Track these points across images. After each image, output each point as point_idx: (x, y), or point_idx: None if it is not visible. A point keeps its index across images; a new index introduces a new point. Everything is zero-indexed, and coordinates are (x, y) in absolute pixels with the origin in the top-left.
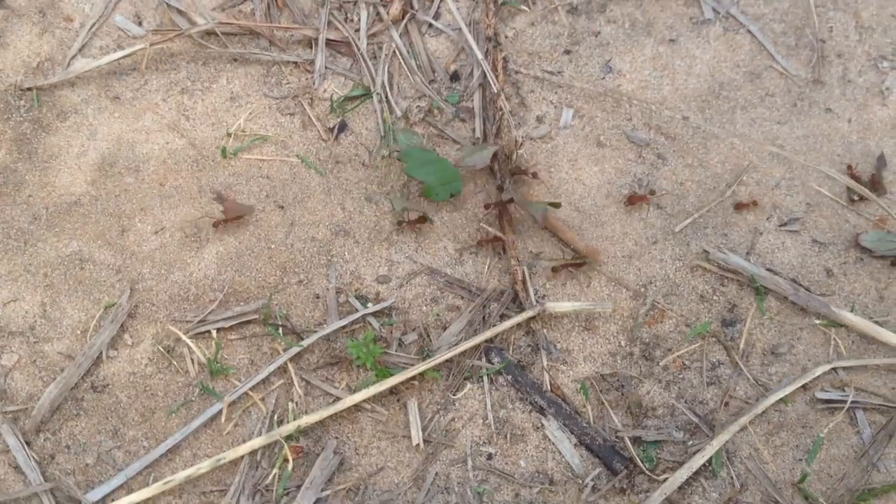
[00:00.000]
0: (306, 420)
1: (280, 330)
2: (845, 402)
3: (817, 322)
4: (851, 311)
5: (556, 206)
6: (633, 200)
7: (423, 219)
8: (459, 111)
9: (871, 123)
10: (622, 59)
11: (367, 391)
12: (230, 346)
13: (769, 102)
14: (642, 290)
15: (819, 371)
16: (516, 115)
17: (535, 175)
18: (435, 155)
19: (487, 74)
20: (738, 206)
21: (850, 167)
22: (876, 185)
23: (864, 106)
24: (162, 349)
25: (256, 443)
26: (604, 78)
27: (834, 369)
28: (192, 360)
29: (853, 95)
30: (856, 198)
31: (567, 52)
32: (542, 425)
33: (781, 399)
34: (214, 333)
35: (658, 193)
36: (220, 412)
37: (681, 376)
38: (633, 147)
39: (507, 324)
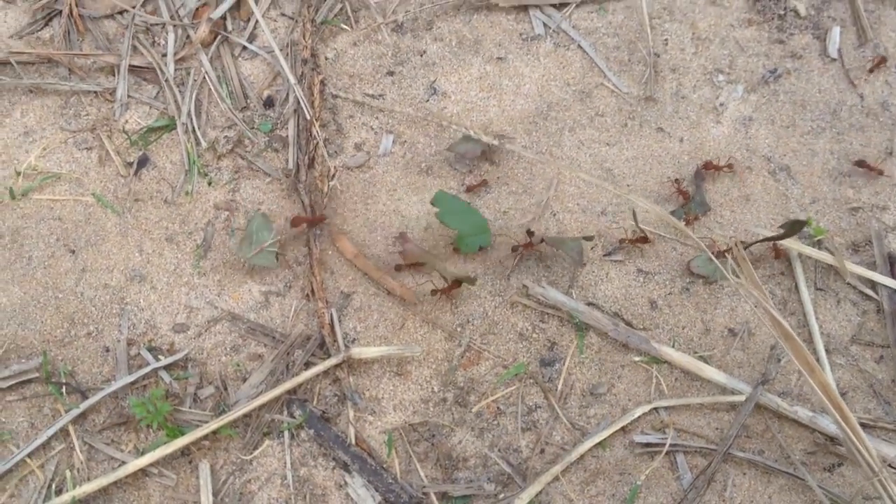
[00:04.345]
0: (84, 489)
1: (63, 388)
2: (664, 444)
3: (637, 359)
4: (673, 346)
5: (590, 239)
6: (295, 223)
7: (458, 283)
8: (272, 140)
9: (704, 142)
10: (448, 79)
11: (153, 454)
12: (9, 409)
13: (599, 123)
14: (458, 329)
15: (638, 412)
16: (333, 143)
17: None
18: (465, 204)
19: (301, 100)
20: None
21: (677, 186)
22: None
23: (696, 124)
24: None
25: None
26: (428, 100)
27: (655, 409)
28: None
29: (686, 113)
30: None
31: (390, 73)
32: (346, 483)
33: (599, 444)
34: None
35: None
36: None
37: (495, 422)
38: (456, 174)
39: (310, 373)
